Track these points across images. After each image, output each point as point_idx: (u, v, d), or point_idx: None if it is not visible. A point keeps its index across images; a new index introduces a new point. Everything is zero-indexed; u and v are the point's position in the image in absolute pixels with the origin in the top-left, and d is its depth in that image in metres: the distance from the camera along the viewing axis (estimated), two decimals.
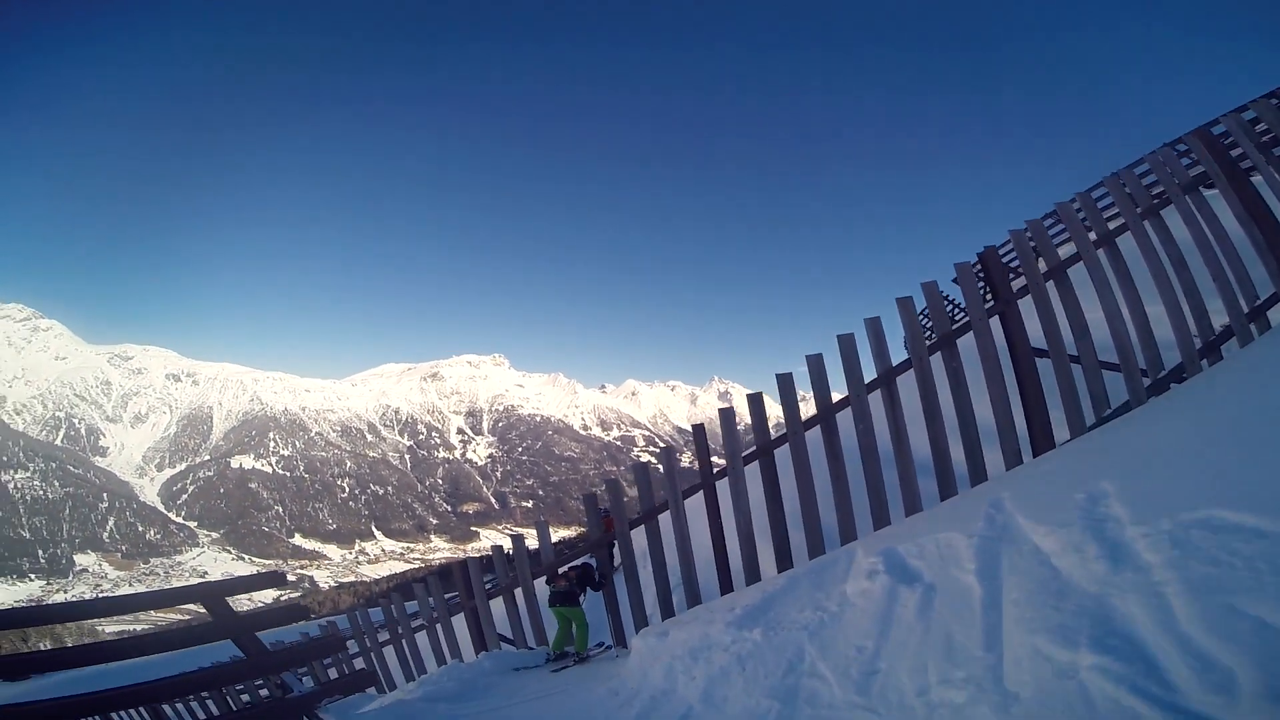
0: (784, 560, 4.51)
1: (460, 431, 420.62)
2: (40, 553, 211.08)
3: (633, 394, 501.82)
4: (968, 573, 2.45)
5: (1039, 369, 4.18)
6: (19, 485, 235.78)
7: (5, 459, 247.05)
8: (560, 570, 5.85)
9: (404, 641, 7.44)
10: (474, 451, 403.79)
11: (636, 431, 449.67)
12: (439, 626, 6.95)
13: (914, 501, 4.11)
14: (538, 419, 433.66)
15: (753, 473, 4.71)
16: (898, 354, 4.78)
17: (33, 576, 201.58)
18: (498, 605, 6.49)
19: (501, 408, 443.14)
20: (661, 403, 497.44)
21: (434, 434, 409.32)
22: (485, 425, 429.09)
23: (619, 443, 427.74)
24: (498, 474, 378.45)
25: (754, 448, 4.68)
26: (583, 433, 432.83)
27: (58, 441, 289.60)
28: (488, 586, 6.70)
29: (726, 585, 4.85)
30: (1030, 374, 4.12)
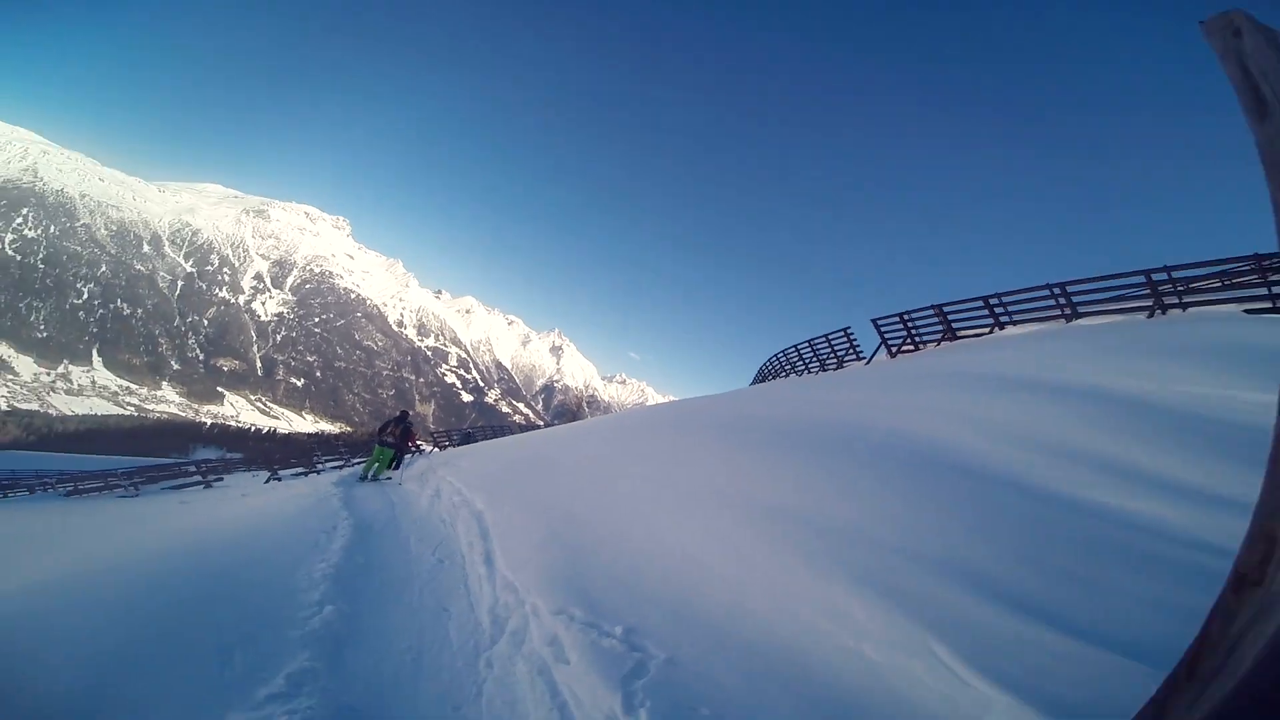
0: None
1: (257, 277, 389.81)
2: None
3: (467, 311, 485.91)
4: None
5: None
6: None
7: None
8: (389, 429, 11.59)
9: None
10: (262, 304, 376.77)
11: (454, 349, 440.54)
12: None
13: None
14: (353, 296, 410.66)
15: None
16: None
17: None
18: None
19: (318, 270, 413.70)
20: (493, 332, 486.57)
21: (225, 270, 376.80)
22: (289, 281, 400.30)
23: (429, 353, 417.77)
24: (278, 337, 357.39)
25: None
26: (395, 328, 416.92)
27: None
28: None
29: None
30: None
